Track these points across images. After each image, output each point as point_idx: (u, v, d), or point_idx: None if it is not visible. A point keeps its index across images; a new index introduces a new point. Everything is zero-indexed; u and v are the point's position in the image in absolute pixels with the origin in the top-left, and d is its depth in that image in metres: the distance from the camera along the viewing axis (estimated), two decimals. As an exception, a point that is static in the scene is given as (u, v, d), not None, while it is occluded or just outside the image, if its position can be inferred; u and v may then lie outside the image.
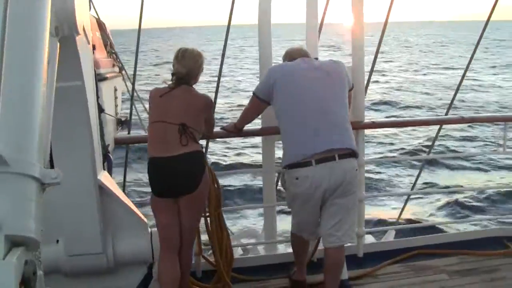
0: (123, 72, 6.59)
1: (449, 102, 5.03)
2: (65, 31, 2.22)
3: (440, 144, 13.94)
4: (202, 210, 3.32)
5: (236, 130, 3.56)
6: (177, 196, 3.10)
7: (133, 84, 4.54)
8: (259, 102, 3.27)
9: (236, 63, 45.54)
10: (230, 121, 3.85)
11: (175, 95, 3.10)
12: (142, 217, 3.33)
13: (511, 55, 48.78)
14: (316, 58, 3.36)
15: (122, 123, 7.47)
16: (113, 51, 7.29)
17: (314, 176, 2.92)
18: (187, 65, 3.13)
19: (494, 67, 39.21)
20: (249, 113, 3.46)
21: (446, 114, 5.13)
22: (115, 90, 7.06)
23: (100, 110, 3.79)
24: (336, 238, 3.04)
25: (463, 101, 22.98)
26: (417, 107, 23.00)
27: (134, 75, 4.47)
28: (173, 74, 3.17)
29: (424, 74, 36.21)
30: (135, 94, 5.10)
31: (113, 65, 7.84)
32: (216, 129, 3.56)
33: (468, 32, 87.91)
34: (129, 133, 4.61)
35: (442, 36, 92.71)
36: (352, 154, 3.02)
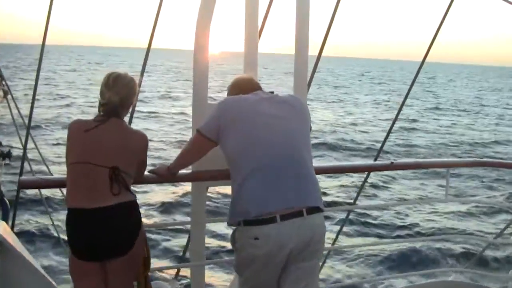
0: (9, 97, 5.65)
1: None
2: None
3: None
4: (135, 274, 2.67)
5: (169, 175, 2.95)
6: (105, 258, 2.44)
7: (30, 111, 3.73)
8: (204, 141, 2.70)
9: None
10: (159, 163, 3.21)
11: (105, 130, 2.52)
12: (53, 282, 2.69)
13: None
14: (272, 92, 2.90)
15: (5, 156, 6.41)
16: (-3, 71, 6.27)
17: (279, 235, 2.44)
18: (121, 93, 2.59)
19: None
20: (190, 154, 2.89)
21: (375, 159, 4.88)
22: (-2, 118, 6.05)
23: None
24: None
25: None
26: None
27: (33, 100, 3.67)
28: (102, 105, 2.58)
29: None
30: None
31: (-3, 88, 6.78)
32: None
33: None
34: (21, 173, 3.77)
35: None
36: (320, 209, 2.61)
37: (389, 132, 4.66)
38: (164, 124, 26.79)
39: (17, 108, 5.08)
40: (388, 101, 43.51)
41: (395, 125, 4.94)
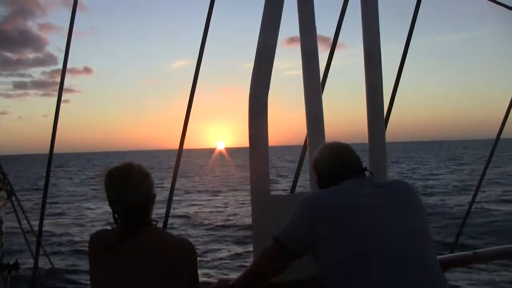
0: (13, 198, 5.02)
1: None
2: None
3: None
4: None
5: None
6: None
7: (41, 217, 3.10)
8: (284, 253, 2.02)
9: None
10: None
11: (135, 243, 1.88)
12: None
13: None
14: (365, 169, 2.20)
15: (11, 269, 5.67)
16: (-1, 170, 5.68)
17: None
18: (142, 190, 1.94)
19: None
20: (262, 270, 2.15)
21: (452, 251, 3.87)
22: (1, 223, 5.40)
23: None
24: None
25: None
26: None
27: (44, 203, 3.05)
28: (118, 211, 1.94)
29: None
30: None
31: None
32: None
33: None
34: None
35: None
36: None
37: (466, 216, 3.99)
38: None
39: (23, 211, 4.42)
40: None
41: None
